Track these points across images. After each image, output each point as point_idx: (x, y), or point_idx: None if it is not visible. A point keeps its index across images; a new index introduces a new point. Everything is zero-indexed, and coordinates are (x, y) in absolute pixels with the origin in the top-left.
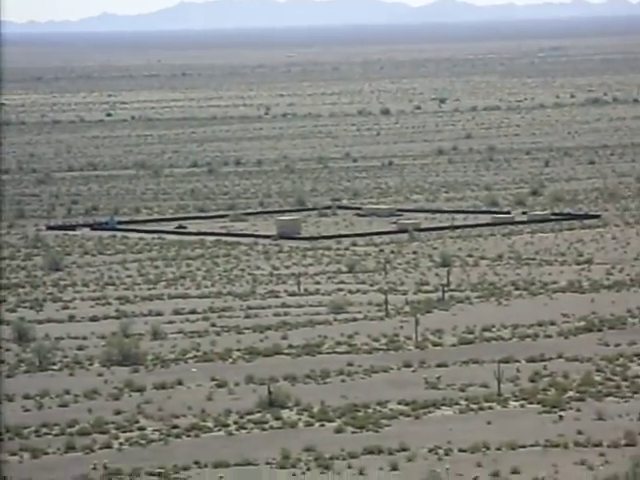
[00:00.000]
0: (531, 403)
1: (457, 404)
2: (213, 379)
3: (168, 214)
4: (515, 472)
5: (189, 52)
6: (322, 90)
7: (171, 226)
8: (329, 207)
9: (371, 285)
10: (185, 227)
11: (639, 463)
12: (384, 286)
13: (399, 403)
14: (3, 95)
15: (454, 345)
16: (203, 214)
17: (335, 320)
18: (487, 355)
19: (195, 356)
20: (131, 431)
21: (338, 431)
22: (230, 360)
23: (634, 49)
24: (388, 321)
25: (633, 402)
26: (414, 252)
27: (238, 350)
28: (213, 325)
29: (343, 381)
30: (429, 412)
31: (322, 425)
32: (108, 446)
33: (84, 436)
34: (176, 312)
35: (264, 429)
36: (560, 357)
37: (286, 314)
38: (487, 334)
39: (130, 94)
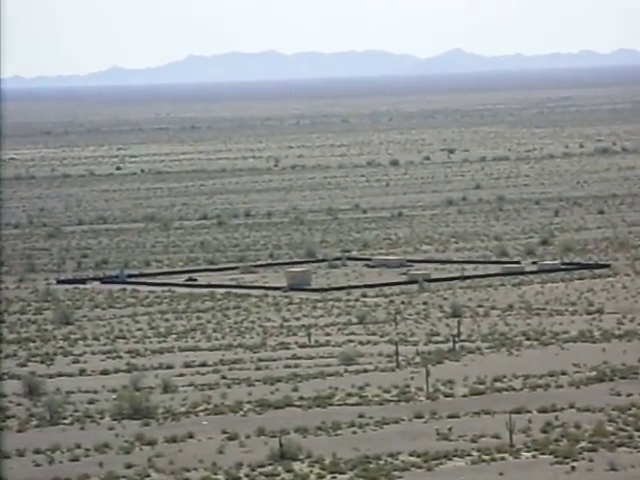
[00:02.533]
0: (543, 454)
1: (469, 455)
2: (224, 432)
3: (178, 267)
4: None
5: (198, 105)
6: (331, 142)
7: (181, 279)
8: (339, 258)
9: (382, 336)
10: (195, 279)
11: None
12: (395, 337)
13: (411, 455)
14: (14, 150)
15: (465, 396)
16: (213, 266)
17: (346, 371)
18: (498, 406)
19: (206, 409)
20: None
21: None
22: (241, 412)
23: None
24: (399, 372)
25: None
26: (424, 303)
27: (249, 402)
28: (224, 377)
29: (354, 433)
30: (441, 463)
31: (334, 477)
32: None
33: None
34: (187, 365)
35: None
36: (572, 407)
37: (297, 366)
38: (498, 384)
39: (139, 147)
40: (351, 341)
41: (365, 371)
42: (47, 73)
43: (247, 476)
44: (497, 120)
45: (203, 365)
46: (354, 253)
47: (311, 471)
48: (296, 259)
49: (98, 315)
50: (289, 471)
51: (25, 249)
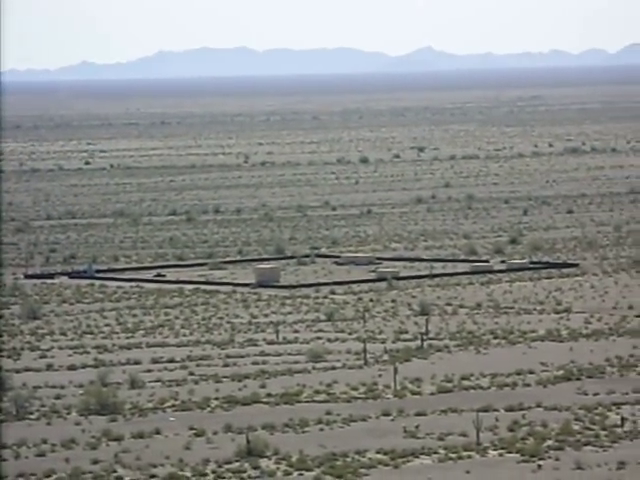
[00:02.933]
0: (510, 452)
1: (436, 453)
2: (191, 428)
3: (147, 262)
4: None
5: (168, 100)
6: (301, 139)
7: (149, 274)
8: (308, 255)
9: (350, 334)
10: (164, 275)
11: None
12: (363, 335)
13: (378, 452)
14: None
15: (433, 394)
16: (182, 262)
17: (314, 369)
18: (466, 404)
19: (173, 405)
20: None
21: None
22: (208, 409)
23: (612, 99)
24: (367, 370)
25: (612, 451)
26: (393, 300)
27: (216, 399)
28: (191, 374)
29: (322, 430)
30: (408, 461)
31: (301, 474)
32: None
33: None
34: (154, 361)
35: (242, 478)
36: (539, 406)
37: (265, 363)
38: (466, 383)
39: (109, 142)
40: (319, 338)
41: (333, 368)
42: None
43: (214, 472)
44: (467, 119)
45: (171, 361)
46: (323, 250)
47: (278, 468)
48: (265, 256)
49: (66, 310)
50: (256, 468)
51: None
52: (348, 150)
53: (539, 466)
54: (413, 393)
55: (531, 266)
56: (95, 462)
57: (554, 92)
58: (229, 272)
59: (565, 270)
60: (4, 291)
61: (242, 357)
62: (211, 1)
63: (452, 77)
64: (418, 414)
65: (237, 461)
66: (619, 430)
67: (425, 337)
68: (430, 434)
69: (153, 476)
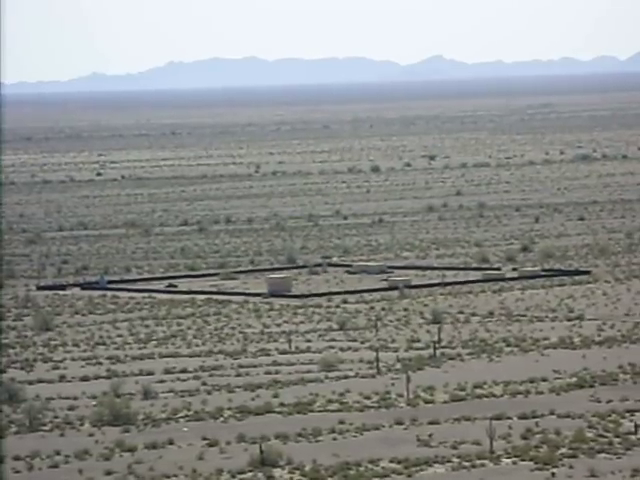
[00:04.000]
0: (523, 460)
1: (449, 462)
2: (204, 438)
3: (158, 273)
4: None
5: (179, 111)
6: (312, 148)
7: (162, 285)
8: (320, 265)
9: (362, 342)
10: (176, 286)
11: None
12: (375, 343)
13: (391, 461)
14: None
15: (446, 402)
16: (194, 273)
17: (326, 378)
18: (479, 412)
19: (186, 415)
20: None
21: None
22: (221, 419)
23: (623, 105)
24: (379, 378)
25: (626, 459)
26: (405, 309)
27: (229, 409)
28: (204, 384)
29: (335, 439)
30: (421, 470)
31: None
32: None
33: None
34: (167, 371)
35: None
36: (552, 414)
37: (277, 372)
38: (479, 391)
39: (120, 153)
40: (332, 347)
41: (345, 377)
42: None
43: None
44: (478, 127)
45: (183, 371)
46: (335, 259)
47: (291, 478)
48: (277, 265)
49: (78, 321)
50: (269, 477)
51: (5, 255)
52: (359, 159)
53: (553, 474)
54: (426, 402)
55: (543, 274)
56: (108, 473)
57: (565, 99)
58: (241, 282)
59: (577, 277)
60: (17, 303)
61: (255, 367)
62: (221, 12)
63: (463, 85)
64: (431, 423)
65: (250, 471)
66: (633, 437)
67: (437, 345)
68: (443, 443)
69: None
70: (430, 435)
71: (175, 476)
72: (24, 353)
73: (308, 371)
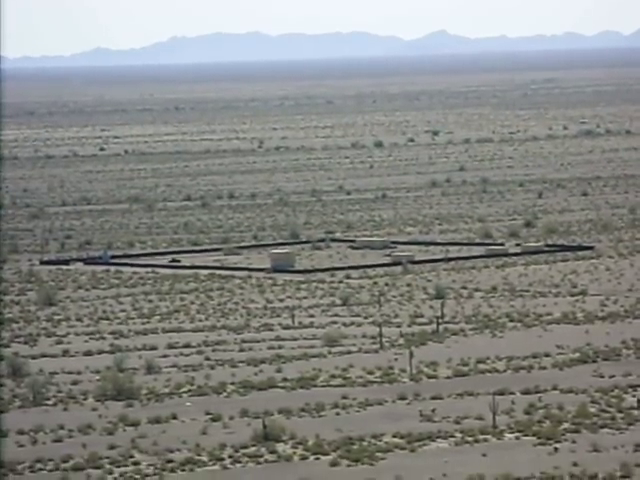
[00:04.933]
0: (526, 435)
1: (452, 436)
2: (207, 413)
3: (162, 248)
4: None
5: (182, 86)
6: (315, 123)
7: (165, 260)
8: (323, 240)
9: (365, 318)
10: (179, 261)
11: None
12: (378, 319)
13: (394, 436)
14: None
15: (449, 377)
16: (197, 248)
17: (329, 353)
18: (482, 387)
19: (189, 390)
20: (125, 466)
21: (333, 464)
22: (224, 394)
23: (626, 81)
24: (382, 354)
25: (628, 434)
26: (408, 284)
27: (232, 384)
28: (207, 359)
29: (338, 414)
30: (424, 445)
31: (317, 458)
32: None
33: (78, 471)
34: (170, 346)
35: (259, 463)
36: (555, 389)
37: (280, 347)
38: (482, 366)
39: (123, 128)
40: (335, 323)
41: (349, 352)
42: (31, 53)
43: (230, 457)
44: (481, 102)
45: (187, 346)
46: (338, 234)
47: (294, 452)
48: (280, 240)
49: (81, 296)
50: (272, 452)
51: (8, 230)
52: (362, 134)
53: (555, 449)
54: (429, 377)
55: (546, 249)
56: (112, 447)
57: (568, 74)
58: (244, 257)
59: (580, 253)
60: (20, 277)
61: (258, 342)
62: None
63: (466, 60)
64: (434, 398)
65: (254, 445)
66: (635, 412)
67: (441, 321)
68: (446, 418)
69: (170, 461)
70: (433, 410)
71: (179, 450)
72: (28, 328)
73: (311, 346)
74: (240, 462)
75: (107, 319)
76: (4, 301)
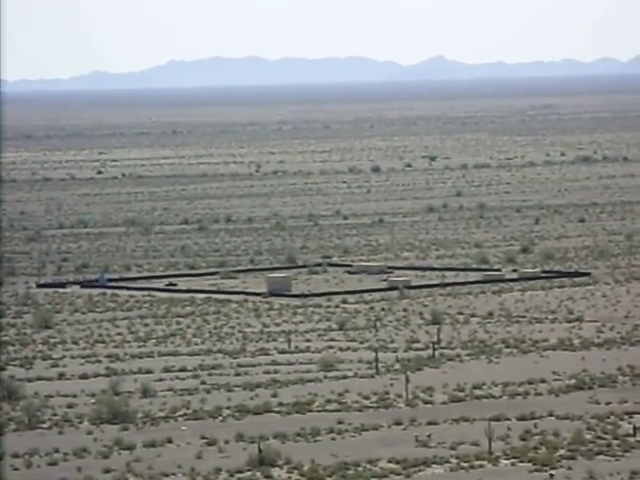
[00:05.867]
0: (522, 461)
1: (448, 462)
2: (203, 437)
3: (158, 271)
4: None
5: (180, 110)
6: (313, 148)
7: (161, 283)
8: (320, 264)
9: (361, 343)
10: (175, 284)
11: None
12: (374, 344)
13: (389, 461)
14: None
15: (445, 403)
16: (193, 271)
17: (325, 378)
18: (478, 413)
19: (185, 414)
20: None
21: None
22: (220, 418)
23: (624, 107)
24: (378, 379)
25: (624, 461)
26: (404, 309)
27: (228, 408)
28: (203, 383)
29: (333, 439)
30: (420, 470)
31: None
32: None
33: None
34: (166, 370)
35: None
36: (551, 415)
37: (276, 372)
38: (478, 392)
39: (121, 152)
40: (331, 347)
41: (345, 377)
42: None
43: None
44: (479, 128)
45: (182, 370)
46: (335, 259)
47: (290, 477)
48: (277, 265)
49: (78, 319)
50: (268, 477)
51: (5, 252)
52: (360, 159)
53: (551, 475)
54: (425, 402)
55: (543, 275)
56: (107, 471)
57: (566, 101)
58: (241, 281)
59: (577, 279)
60: (16, 300)
61: (254, 366)
62: (223, 11)
63: (464, 86)
64: (430, 423)
65: (249, 470)
66: (631, 439)
67: (437, 346)
68: (442, 443)
69: None
70: (429, 435)
71: (174, 475)
72: (23, 350)
73: (307, 371)
74: None
75: (103, 342)
76: (1, 324)
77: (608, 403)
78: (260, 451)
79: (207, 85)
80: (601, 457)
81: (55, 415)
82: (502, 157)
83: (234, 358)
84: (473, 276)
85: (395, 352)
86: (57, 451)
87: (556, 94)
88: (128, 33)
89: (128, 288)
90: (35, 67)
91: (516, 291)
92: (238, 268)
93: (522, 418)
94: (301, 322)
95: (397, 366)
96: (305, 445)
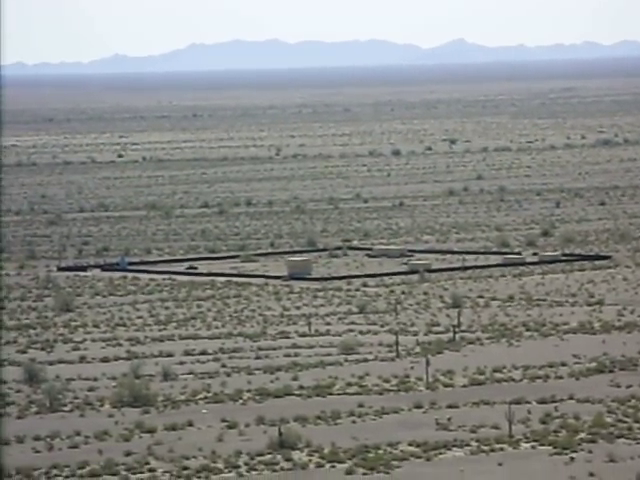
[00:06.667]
0: (542, 445)
1: (468, 445)
2: (223, 420)
3: (179, 255)
4: None
5: (200, 93)
6: (333, 131)
7: (182, 267)
8: (340, 248)
9: (382, 326)
10: (196, 268)
11: None
12: (395, 327)
13: (410, 444)
14: (16, 137)
15: (465, 386)
16: (214, 255)
17: (346, 361)
18: (498, 396)
19: (205, 397)
20: (141, 472)
21: (349, 472)
22: (240, 401)
23: None
24: (399, 362)
25: None
26: (425, 293)
27: (249, 391)
28: (224, 366)
29: (354, 422)
30: (440, 453)
31: (333, 466)
32: None
33: (94, 477)
34: (187, 353)
35: (275, 470)
36: (571, 398)
37: (297, 355)
38: (498, 375)
39: (141, 135)
40: (351, 330)
41: (365, 361)
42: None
43: (246, 464)
44: (499, 111)
45: (203, 353)
46: (355, 242)
47: (310, 460)
48: (297, 248)
49: (98, 302)
50: (288, 460)
51: (26, 236)
52: (380, 142)
53: (571, 458)
54: (445, 385)
55: (563, 258)
56: (128, 454)
57: (587, 84)
58: (261, 264)
59: (597, 262)
60: (37, 283)
61: (274, 349)
62: None
63: (484, 69)
64: (450, 406)
65: (269, 453)
66: None
67: (457, 329)
68: (462, 426)
69: (186, 468)
70: (449, 419)
71: (194, 457)
72: (45, 334)
73: (328, 354)
74: (256, 470)
75: (124, 325)
76: (21, 307)
77: (629, 386)
78: (280, 434)
79: (227, 68)
80: (622, 440)
81: (76, 398)
82: (522, 140)
83: (254, 341)
84: (493, 259)
85: (415, 335)
86: (78, 434)
87: (577, 77)
88: (148, 16)
89: (149, 271)
90: (56, 51)
91: (536, 274)
92: (258, 251)
93: (542, 401)
94: (321, 305)
95: (417, 349)
96: (325, 428)
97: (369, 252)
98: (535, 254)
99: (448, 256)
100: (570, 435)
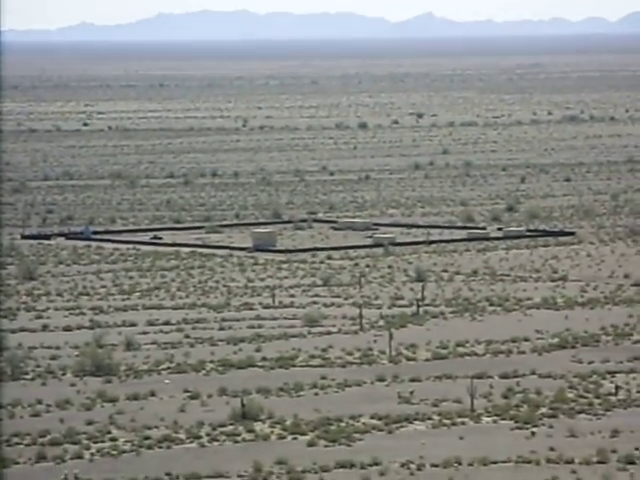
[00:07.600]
0: (504, 419)
1: (430, 419)
2: (186, 391)
3: (143, 225)
4: None
5: (167, 63)
6: (300, 103)
7: (146, 237)
8: (305, 220)
9: (346, 299)
10: (160, 238)
11: None
12: (359, 300)
13: (372, 417)
14: None
15: (428, 360)
16: (178, 225)
17: (309, 333)
18: (461, 370)
19: (168, 367)
20: (103, 442)
21: (311, 444)
22: (203, 372)
23: (611, 67)
24: (362, 335)
25: (605, 419)
26: (389, 266)
27: (212, 362)
28: (187, 336)
29: (316, 394)
30: (402, 427)
31: (295, 438)
32: (79, 456)
33: (55, 446)
34: (150, 323)
35: (236, 441)
36: (533, 373)
37: (260, 326)
38: (461, 349)
39: (107, 104)
40: (315, 303)
41: (328, 333)
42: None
43: (208, 435)
44: (466, 86)
45: (166, 324)
46: (320, 215)
47: (272, 432)
48: (262, 220)
49: (62, 271)
50: (250, 431)
51: None
52: (347, 115)
53: (532, 433)
54: (408, 359)
55: (528, 234)
56: (90, 423)
57: (554, 60)
58: (226, 235)
59: (562, 238)
60: (1, 251)
61: (238, 321)
62: None
63: (452, 44)
64: (413, 380)
65: (231, 424)
66: (613, 398)
67: (421, 303)
68: (424, 400)
69: (147, 438)
70: (411, 392)
71: (156, 427)
72: (7, 302)
73: (291, 326)
74: (217, 440)
75: (87, 295)
76: None
77: (591, 362)
78: (243, 405)
79: (195, 39)
80: (582, 416)
81: (38, 367)
82: (489, 115)
83: (218, 312)
84: (458, 234)
85: (379, 309)
86: (40, 402)
87: (544, 53)
88: None
89: (113, 241)
90: (22, 17)
91: (501, 249)
92: (223, 222)
93: (505, 376)
94: (286, 277)
95: (381, 323)
96: (288, 400)
97: (334, 225)
98: (500, 229)
99: (413, 230)
100: (531, 410)
